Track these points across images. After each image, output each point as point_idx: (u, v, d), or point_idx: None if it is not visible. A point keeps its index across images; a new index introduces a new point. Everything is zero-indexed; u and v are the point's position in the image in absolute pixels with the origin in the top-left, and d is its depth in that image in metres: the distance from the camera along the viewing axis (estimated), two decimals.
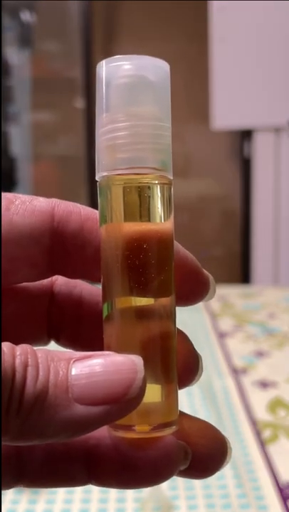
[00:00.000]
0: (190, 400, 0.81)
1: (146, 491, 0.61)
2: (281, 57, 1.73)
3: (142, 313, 0.19)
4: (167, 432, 0.19)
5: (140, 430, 0.19)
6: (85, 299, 0.22)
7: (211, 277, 0.21)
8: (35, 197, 0.20)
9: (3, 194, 0.20)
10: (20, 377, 0.16)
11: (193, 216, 2.02)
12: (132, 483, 0.19)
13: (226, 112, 1.79)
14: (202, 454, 0.20)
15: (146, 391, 0.18)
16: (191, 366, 0.21)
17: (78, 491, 0.62)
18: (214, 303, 1.32)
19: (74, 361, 0.17)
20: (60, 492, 0.62)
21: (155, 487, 0.60)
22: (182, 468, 0.20)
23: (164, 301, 0.19)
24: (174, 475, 0.20)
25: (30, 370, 0.16)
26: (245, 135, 1.88)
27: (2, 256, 0.19)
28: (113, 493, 0.62)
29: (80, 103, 1.99)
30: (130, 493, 0.62)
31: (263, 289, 1.56)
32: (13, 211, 0.19)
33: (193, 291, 0.21)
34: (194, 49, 1.88)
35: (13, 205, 0.19)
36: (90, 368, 0.17)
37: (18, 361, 0.16)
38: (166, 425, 0.19)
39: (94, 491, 0.62)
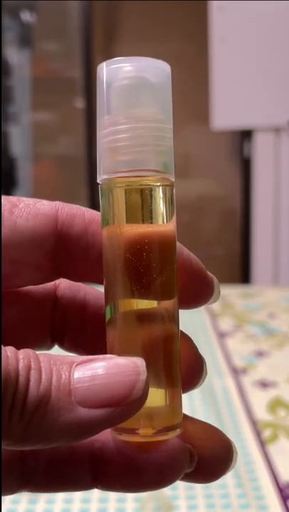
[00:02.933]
0: (190, 400, 0.80)
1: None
2: (281, 58, 1.73)
3: (144, 316, 0.19)
4: (171, 435, 0.19)
5: (144, 434, 0.19)
6: (88, 303, 0.22)
7: (215, 279, 0.21)
8: (38, 200, 0.20)
9: (7, 198, 0.20)
10: (24, 380, 0.16)
11: (193, 216, 2.02)
12: (137, 487, 0.19)
13: (226, 112, 1.79)
14: (207, 457, 0.20)
15: (150, 395, 0.18)
16: (195, 369, 0.21)
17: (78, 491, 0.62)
18: (214, 303, 1.32)
19: (76, 365, 0.17)
20: (60, 492, 0.62)
21: None
22: (187, 471, 0.20)
23: (167, 303, 0.19)
24: (179, 478, 0.19)
25: (33, 374, 0.16)
26: (245, 135, 1.88)
27: (6, 259, 0.19)
28: (113, 492, 0.62)
29: (80, 103, 1.99)
30: (130, 493, 0.62)
31: (263, 289, 1.56)
32: (17, 214, 0.19)
33: (197, 293, 0.21)
34: (194, 49, 1.88)
35: (16, 208, 0.19)
36: (92, 371, 0.17)
37: (21, 365, 0.16)
38: (170, 428, 0.19)
39: (94, 491, 0.62)
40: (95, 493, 0.62)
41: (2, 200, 0.19)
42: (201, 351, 0.23)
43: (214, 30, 1.73)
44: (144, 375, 0.17)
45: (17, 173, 1.95)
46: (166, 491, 0.61)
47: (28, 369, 0.16)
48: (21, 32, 1.96)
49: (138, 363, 0.17)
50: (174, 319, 0.20)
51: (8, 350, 0.16)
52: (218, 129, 1.82)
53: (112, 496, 0.61)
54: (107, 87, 0.19)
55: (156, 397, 0.19)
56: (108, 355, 0.18)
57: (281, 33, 1.72)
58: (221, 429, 0.22)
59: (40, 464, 0.19)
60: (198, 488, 0.62)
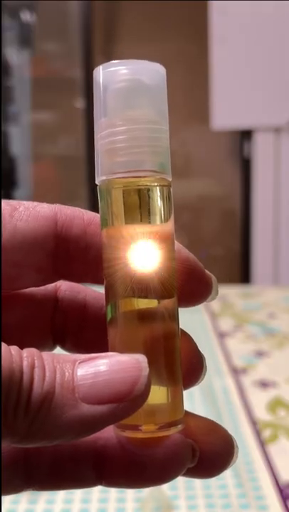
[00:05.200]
0: (190, 400, 0.80)
1: (146, 491, 0.61)
2: (281, 58, 1.73)
3: (145, 315, 0.19)
4: (173, 431, 0.20)
5: (147, 430, 0.19)
6: (89, 304, 0.22)
7: (213, 278, 0.21)
8: (38, 203, 0.20)
9: (7, 201, 0.20)
10: (28, 378, 0.16)
11: (193, 216, 2.02)
12: (141, 482, 0.19)
13: (226, 112, 1.79)
14: (209, 452, 0.20)
15: (152, 393, 0.18)
16: (195, 366, 0.21)
17: (78, 491, 0.62)
18: (214, 303, 1.32)
19: (79, 362, 0.17)
20: (60, 492, 0.62)
21: (155, 487, 0.60)
22: (189, 466, 0.20)
23: (167, 302, 0.20)
24: (181, 473, 0.20)
25: (37, 372, 0.16)
26: (245, 135, 1.88)
27: (7, 262, 0.19)
28: (113, 492, 0.62)
29: (80, 103, 1.99)
30: (130, 493, 0.62)
31: (263, 289, 1.56)
32: (17, 217, 0.20)
33: (195, 292, 0.21)
34: (194, 49, 1.88)
35: (16, 211, 0.20)
36: (95, 369, 0.17)
37: (25, 363, 0.16)
38: (172, 424, 0.19)
39: (94, 491, 0.62)
40: (95, 493, 0.62)
41: (2, 204, 0.20)
42: (200, 351, 0.23)
43: (214, 30, 1.73)
44: (146, 371, 0.17)
45: (17, 173, 1.95)
46: (166, 491, 0.61)
47: (32, 367, 0.16)
48: (21, 32, 1.96)
49: (140, 359, 0.18)
50: (174, 317, 0.20)
51: (12, 349, 0.16)
52: (218, 129, 1.82)
53: (112, 496, 0.61)
54: (103, 90, 0.19)
55: (157, 394, 0.19)
56: (110, 353, 0.18)
57: (281, 33, 1.72)
58: None
59: (44, 463, 0.20)
60: (198, 488, 0.62)
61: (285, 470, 0.65)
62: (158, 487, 0.60)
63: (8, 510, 0.60)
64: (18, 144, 2.00)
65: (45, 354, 0.17)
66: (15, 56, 1.98)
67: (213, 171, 2.05)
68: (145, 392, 0.17)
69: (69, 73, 2.05)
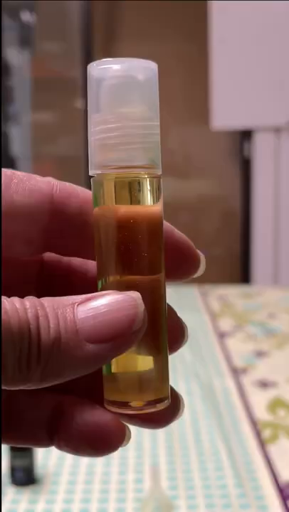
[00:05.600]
0: (190, 400, 0.80)
1: (146, 491, 0.61)
2: (281, 58, 1.73)
3: (133, 288, 0.20)
4: (160, 407, 0.21)
5: (135, 406, 0.20)
6: (74, 266, 0.23)
7: (202, 255, 0.23)
8: (32, 175, 0.21)
9: (3, 170, 0.20)
10: (35, 329, 0.17)
11: (193, 216, 2.02)
12: (81, 452, 0.21)
13: (226, 112, 1.79)
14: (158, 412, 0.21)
15: (139, 361, 0.20)
16: (177, 335, 0.22)
17: (78, 491, 0.62)
18: (214, 303, 1.32)
19: (78, 305, 0.18)
20: (60, 492, 0.62)
21: (155, 487, 0.60)
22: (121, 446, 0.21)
23: (155, 277, 0.21)
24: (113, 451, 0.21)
25: (42, 321, 0.17)
26: (245, 135, 1.88)
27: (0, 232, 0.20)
28: (113, 493, 0.62)
29: (80, 103, 1.99)
30: (130, 493, 0.62)
31: (263, 289, 1.56)
32: (14, 189, 0.20)
33: (186, 268, 0.22)
34: (194, 49, 1.88)
35: (12, 182, 0.20)
36: (94, 310, 0.18)
37: (29, 314, 0.17)
38: (158, 401, 0.21)
39: (94, 491, 0.62)
40: (95, 493, 0.62)
41: None
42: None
43: (214, 30, 1.73)
44: (141, 307, 0.19)
45: None
46: (166, 491, 0.61)
47: (37, 317, 0.17)
48: (21, 32, 1.96)
49: (135, 296, 0.19)
50: (162, 292, 0.21)
51: (15, 302, 0.17)
52: (218, 129, 1.82)
53: (112, 496, 0.61)
54: (96, 86, 0.20)
55: (145, 363, 0.21)
56: (105, 292, 0.19)
57: (281, 33, 1.72)
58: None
59: (5, 416, 0.21)
60: (198, 488, 0.62)
61: (285, 470, 0.65)
62: (158, 487, 0.60)
63: (8, 510, 0.60)
64: (18, 144, 2.00)
65: (45, 301, 0.18)
66: (15, 56, 1.98)
67: (213, 171, 2.05)
68: (143, 327, 0.19)
69: (69, 73, 2.05)
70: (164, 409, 0.21)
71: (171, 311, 0.22)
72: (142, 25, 1.96)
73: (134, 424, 0.21)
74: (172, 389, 0.22)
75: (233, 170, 2.00)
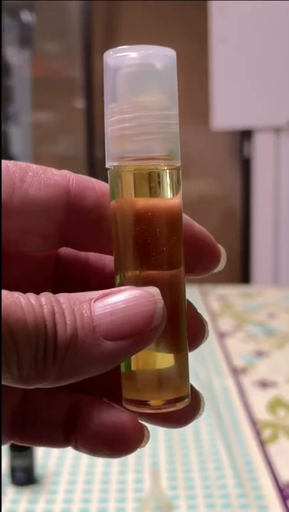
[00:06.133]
0: None
1: (146, 491, 0.61)
2: (281, 57, 1.73)
3: (151, 283, 0.19)
4: (179, 406, 0.20)
5: (154, 405, 0.20)
6: (91, 261, 0.23)
7: (222, 249, 0.23)
8: (48, 168, 0.20)
9: (17, 163, 0.20)
10: (51, 325, 0.17)
11: (193, 216, 2.01)
12: (98, 453, 0.20)
13: (226, 112, 1.79)
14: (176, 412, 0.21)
15: (158, 359, 0.20)
16: (197, 331, 0.22)
17: (78, 491, 0.62)
18: (214, 303, 1.32)
19: (95, 301, 0.18)
20: (60, 492, 0.62)
21: (155, 487, 0.60)
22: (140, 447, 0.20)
23: (174, 272, 0.20)
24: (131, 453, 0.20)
25: (58, 318, 0.17)
26: (245, 135, 1.88)
27: (15, 227, 0.19)
28: (113, 492, 0.62)
29: (80, 103, 1.99)
30: (130, 493, 0.62)
31: (263, 289, 1.56)
32: (29, 183, 0.19)
33: (206, 262, 0.22)
34: (194, 49, 1.88)
35: (27, 176, 0.20)
36: (112, 306, 0.18)
37: (45, 311, 0.17)
38: (178, 400, 0.20)
39: (94, 491, 0.62)
40: (95, 493, 0.62)
41: (12, 167, 0.20)
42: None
43: (214, 30, 1.73)
44: (161, 303, 0.18)
45: None
46: (166, 491, 0.61)
47: (53, 314, 0.17)
48: (21, 32, 1.96)
49: (153, 292, 0.18)
50: (181, 287, 0.20)
51: (31, 298, 0.17)
52: (218, 129, 1.82)
53: (112, 496, 0.61)
54: (113, 75, 0.19)
55: (165, 361, 0.20)
56: (123, 287, 0.18)
57: (281, 33, 1.72)
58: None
59: (22, 416, 0.20)
60: (198, 488, 0.62)
61: (285, 470, 0.65)
62: (158, 487, 0.60)
63: (8, 510, 0.60)
64: (18, 143, 2.00)
65: (61, 297, 0.18)
66: (15, 56, 1.98)
67: (213, 171, 2.05)
68: (162, 324, 0.18)
69: (69, 73, 2.05)
70: (183, 408, 0.20)
71: (191, 307, 0.21)
72: (142, 25, 1.96)
73: (153, 423, 0.21)
74: (192, 387, 0.21)
75: (233, 170, 2.00)
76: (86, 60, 1.90)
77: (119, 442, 0.20)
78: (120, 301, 0.18)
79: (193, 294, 1.36)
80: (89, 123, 1.90)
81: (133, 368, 0.20)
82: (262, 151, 1.84)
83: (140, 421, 0.20)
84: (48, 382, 0.17)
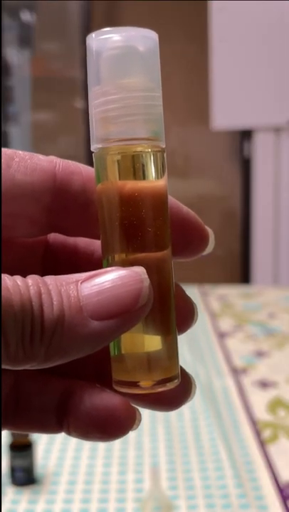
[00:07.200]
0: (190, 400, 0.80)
1: (146, 491, 0.61)
2: (281, 57, 1.73)
3: (139, 265, 0.19)
4: (170, 386, 0.20)
5: (144, 386, 0.20)
6: (80, 247, 0.23)
7: (210, 231, 0.22)
8: (34, 154, 0.21)
9: (4, 149, 0.20)
10: (37, 306, 0.17)
11: None
12: (90, 437, 0.20)
13: (226, 112, 1.79)
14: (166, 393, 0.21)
15: (147, 340, 0.20)
16: (186, 313, 0.22)
17: (78, 491, 0.62)
18: (214, 303, 1.32)
19: (81, 282, 0.18)
20: (60, 492, 0.62)
21: (155, 487, 0.60)
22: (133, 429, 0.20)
23: (161, 254, 0.20)
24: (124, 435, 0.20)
25: (44, 298, 0.17)
26: (245, 135, 1.88)
27: (3, 211, 0.20)
28: (113, 492, 0.62)
29: (80, 103, 1.99)
30: (130, 494, 0.62)
31: (263, 289, 1.56)
32: (15, 168, 0.20)
33: (194, 244, 0.22)
34: (194, 49, 1.88)
35: (13, 161, 0.20)
36: (98, 286, 0.18)
37: (32, 291, 0.17)
38: (168, 380, 0.20)
39: (94, 491, 0.62)
40: (95, 493, 0.62)
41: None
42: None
43: (214, 30, 1.73)
44: (147, 282, 0.18)
45: None
46: (166, 491, 0.61)
47: (39, 294, 0.17)
48: (21, 32, 1.96)
49: (139, 271, 0.18)
50: (169, 269, 0.20)
51: (17, 279, 0.17)
52: (218, 129, 1.82)
53: (112, 496, 0.61)
54: (96, 57, 0.19)
55: (153, 343, 0.20)
56: (109, 268, 0.18)
57: (281, 33, 1.72)
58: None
59: (13, 403, 0.20)
60: (198, 488, 0.62)
61: (285, 470, 0.65)
62: (158, 487, 0.60)
63: (8, 510, 0.60)
64: (18, 144, 2.00)
65: (48, 278, 0.18)
66: (15, 56, 1.98)
67: (213, 171, 2.05)
68: (149, 302, 0.18)
69: (69, 73, 2.05)
70: (174, 390, 0.20)
71: (179, 289, 0.21)
72: (141, 25, 1.96)
73: (145, 406, 0.21)
74: (183, 369, 0.21)
75: (233, 170, 2.00)
76: (86, 60, 1.90)
77: (110, 425, 0.20)
78: (107, 281, 0.18)
79: (193, 294, 1.36)
80: (89, 123, 1.90)
81: (123, 351, 0.20)
82: (262, 151, 1.84)
83: (132, 404, 0.20)
84: (37, 362, 0.17)
